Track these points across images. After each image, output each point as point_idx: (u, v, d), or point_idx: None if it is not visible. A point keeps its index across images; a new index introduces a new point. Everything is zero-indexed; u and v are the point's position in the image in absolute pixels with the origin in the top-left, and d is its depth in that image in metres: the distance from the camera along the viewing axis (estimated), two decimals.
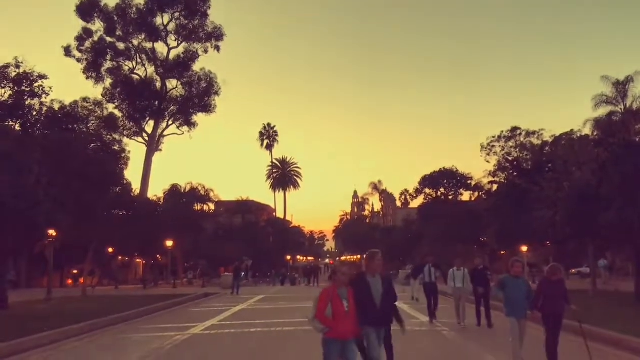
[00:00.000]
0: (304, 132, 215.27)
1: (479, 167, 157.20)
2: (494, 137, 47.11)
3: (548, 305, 8.87)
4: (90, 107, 44.63)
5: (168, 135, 67.62)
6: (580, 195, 23.66)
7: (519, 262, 9.52)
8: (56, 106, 26.73)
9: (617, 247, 35.57)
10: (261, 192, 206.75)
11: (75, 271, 47.45)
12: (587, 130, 34.44)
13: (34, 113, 24.17)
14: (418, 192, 61.67)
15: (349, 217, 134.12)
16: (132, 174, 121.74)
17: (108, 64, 63.74)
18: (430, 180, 59.40)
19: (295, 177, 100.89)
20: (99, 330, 16.10)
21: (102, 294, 34.09)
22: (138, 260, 57.03)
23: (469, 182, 57.13)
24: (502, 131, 46.74)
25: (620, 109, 34.06)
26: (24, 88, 23.18)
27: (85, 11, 62.12)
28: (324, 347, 6.29)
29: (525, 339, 9.30)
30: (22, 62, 23.03)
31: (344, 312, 6.22)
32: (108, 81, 63.35)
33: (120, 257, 51.92)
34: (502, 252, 50.38)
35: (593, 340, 9.68)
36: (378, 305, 6.73)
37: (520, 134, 45.94)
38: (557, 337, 8.91)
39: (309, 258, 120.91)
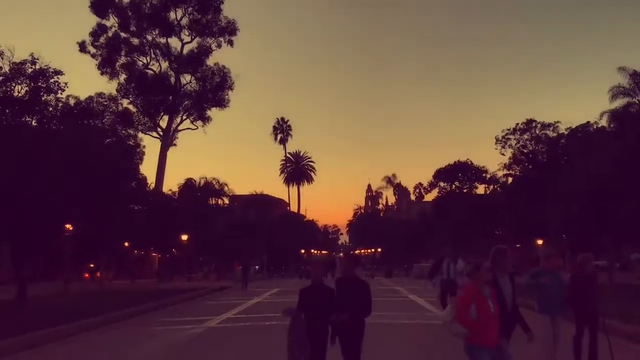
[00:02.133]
0: (318, 126, 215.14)
1: (494, 160, 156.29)
2: (509, 129, 46.82)
3: (580, 305, 8.04)
4: (105, 103, 44.96)
5: (182, 130, 67.99)
6: (596, 188, 23.48)
7: (557, 255, 8.59)
8: (72, 102, 27.00)
9: (634, 240, 35.26)
10: (275, 186, 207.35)
11: (91, 265, 47.97)
12: (603, 123, 34.04)
13: (50, 109, 24.42)
14: (432, 185, 61.43)
15: (362, 210, 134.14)
16: (147, 169, 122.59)
17: (122, 60, 64.17)
18: (444, 174, 59.13)
19: (309, 171, 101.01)
20: (116, 323, 16.33)
21: (119, 287, 34.47)
22: (153, 254, 57.52)
23: (483, 175, 56.83)
24: (517, 124, 46.44)
25: (638, 100, 33.62)
26: (40, 84, 23.41)
27: (100, 7, 62.49)
28: (472, 356, 5.41)
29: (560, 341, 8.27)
30: (37, 59, 23.26)
31: (490, 314, 5.36)
32: (122, 76, 63.80)
33: (135, 251, 52.40)
34: (518, 245, 50.14)
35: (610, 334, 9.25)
36: (508, 310, 5.90)
37: (536, 126, 45.57)
38: (593, 335, 8.15)
39: (323, 252, 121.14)
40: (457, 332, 5.40)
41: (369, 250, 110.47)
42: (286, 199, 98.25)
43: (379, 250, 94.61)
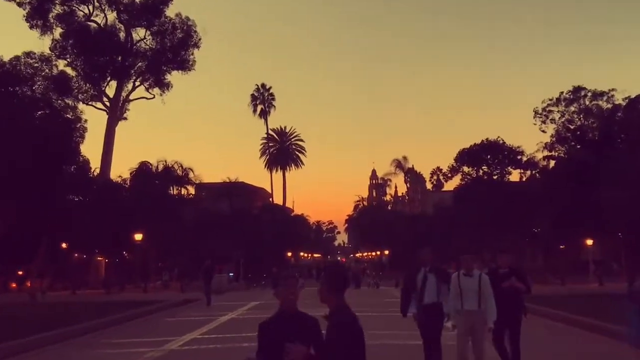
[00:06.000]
0: (307, 96, 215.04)
1: (532, 139, 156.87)
2: (551, 99, 46.93)
3: None
4: (36, 65, 44.65)
5: (135, 99, 67.65)
6: None
7: None
8: None
9: None
10: (254, 172, 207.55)
11: (20, 272, 47.87)
12: None
13: None
14: (454, 170, 61.49)
15: (365, 203, 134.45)
16: (90, 149, 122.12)
17: (57, 9, 63.50)
18: (469, 156, 59.17)
19: (296, 152, 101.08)
20: (54, 344, 16.33)
21: (56, 299, 34.39)
22: (99, 258, 57.48)
23: (518, 157, 56.96)
24: (562, 92, 46.53)
25: None
26: None
27: None
28: None
29: None
30: None
31: None
32: (58, 31, 63.18)
33: (76, 255, 52.32)
34: (562, 247, 50.40)
35: None
36: None
37: (585, 95, 45.69)
38: None
39: (315, 255, 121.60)
40: None
41: (374, 254, 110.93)
42: (268, 188, 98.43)
43: (386, 253, 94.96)
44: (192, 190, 61.41)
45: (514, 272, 10.74)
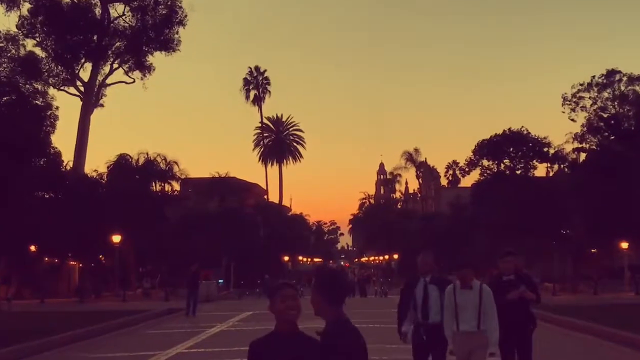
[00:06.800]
0: (306, 81, 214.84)
1: (561, 129, 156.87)
2: (581, 84, 46.87)
3: None
4: (1, 44, 44.72)
5: (112, 84, 67.41)
6: None
7: None
8: None
9: None
10: (246, 166, 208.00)
11: None
12: None
13: None
14: (472, 164, 61.49)
15: (372, 201, 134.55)
16: (63, 140, 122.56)
17: None
18: (489, 148, 59.09)
19: (294, 144, 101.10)
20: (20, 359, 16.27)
21: (23, 309, 34.43)
22: (72, 263, 57.50)
23: (545, 149, 56.92)
24: (594, 76, 46.45)
25: None
26: None
27: None
28: None
29: None
30: None
31: None
32: (26, 6, 63.09)
33: (47, 259, 52.29)
34: (593, 250, 50.34)
35: None
36: None
37: (620, 79, 45.64)
38: None
39: (316, 259, 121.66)
40: None
41: (381, 258, 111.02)
42: (262, 184, 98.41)
43: (396, 257, 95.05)
44: (177, 186, 61.46)
45: (521, 279, 9.97)
